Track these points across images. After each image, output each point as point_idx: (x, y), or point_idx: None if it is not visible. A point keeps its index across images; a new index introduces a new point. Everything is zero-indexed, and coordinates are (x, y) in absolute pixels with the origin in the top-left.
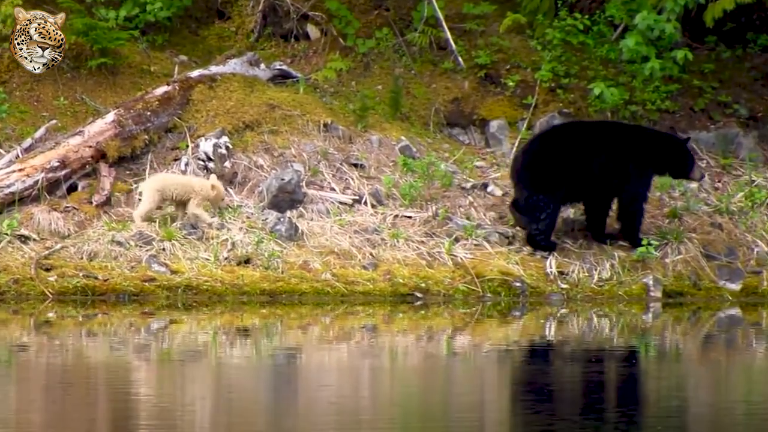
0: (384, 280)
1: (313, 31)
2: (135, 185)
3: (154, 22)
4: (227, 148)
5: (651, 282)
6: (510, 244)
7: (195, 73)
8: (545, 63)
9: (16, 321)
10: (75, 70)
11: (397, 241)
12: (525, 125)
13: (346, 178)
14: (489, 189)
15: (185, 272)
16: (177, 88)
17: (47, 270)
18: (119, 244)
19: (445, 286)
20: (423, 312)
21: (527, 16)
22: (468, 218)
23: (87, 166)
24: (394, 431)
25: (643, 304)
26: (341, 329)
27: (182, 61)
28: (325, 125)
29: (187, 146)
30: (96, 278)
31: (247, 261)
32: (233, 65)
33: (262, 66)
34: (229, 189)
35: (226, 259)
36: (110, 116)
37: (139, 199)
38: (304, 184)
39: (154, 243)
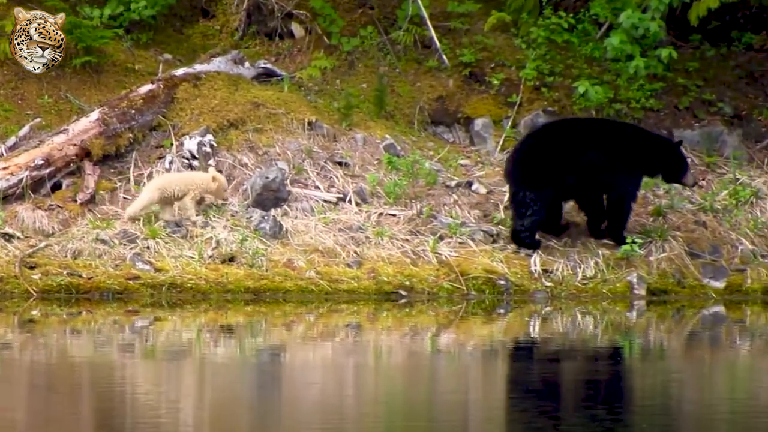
0: (368, 278)
1: (297, 29)
2: (119, 183)
3: (139, 21)
4: (212, 146)
5: (635, 280)
6: (494, 242)
7: (179, 72)
8: (530, 61)
9: None
10: (59, 68)
11: (382, 239)
12: (509, 123)
13: (331, 177)
14: (473, 187)
15: (169, 270)
16: (161, 86)
17: (31, 268)
18: (103, 242)
19: (429, 284)
20: (407, 310)
21: (512, 15)
22: (452, 216)
23: (71, 165)
24: (378, 429)
25: (627, 302)
26: (325, 327)
27: (167, 59)
28: (309, 123)
29: (172, 144)
30: (80, 276)
31: (232, 259)
32: (218, 63)
33: (247, 64)
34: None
35: (210, 257)
36: (95, 114)
37: (125, 197)
38: (288, 182)
39: (138, 241)
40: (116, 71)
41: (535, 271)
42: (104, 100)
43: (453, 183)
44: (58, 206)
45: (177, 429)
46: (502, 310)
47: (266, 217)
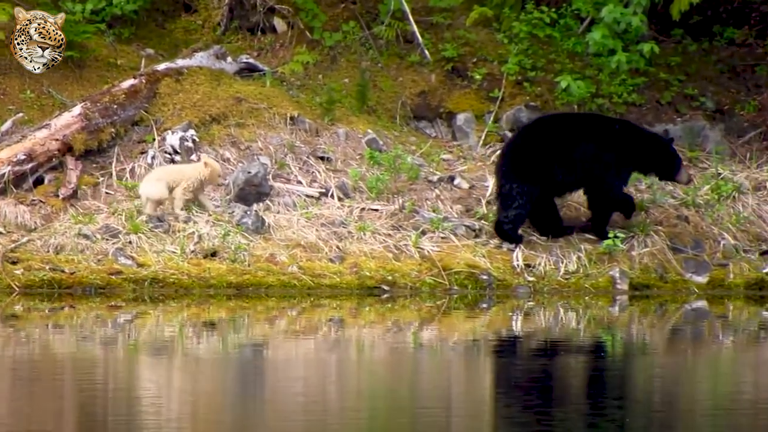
0: (351, 273)
1: (279, 24)
2: (102, 178)
3: (121, 16)
4: (194, 141)
5: (617, 274)
6: (477, 236)
7: (162, 67)
8: (512, 56)
9: None
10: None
11: (364, 234)
12: (492, 118)
13: (313, 171)
14: (456, 182)
15: (152, 265)
16: (144, 81)
17: (14, 263)
18: (86, 237)
19: (411, 278)
20: (390, 305)
21: (494, 10)
22: (435, 211)
23: (53, 159)
24: (361, 422)
25: (609, 297)
26: (308, 322)
27: (149, 54)
28: (291, 118)
29: (154, 139)
30: (63, 271)
31: (214, 254)
32: (200, 58)
33: (229, 59)
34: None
35: (192, 252)
36: (77, 109)
37: (107, 192)
38: (270, 177)
39: (120, 236)
40: (98, 66)
41: (518, 265)
42: (86, 95)
43: (435, 178)
44: (41, 201)
45: (159, 424)
46: (484, 305)
47: (248, 212)
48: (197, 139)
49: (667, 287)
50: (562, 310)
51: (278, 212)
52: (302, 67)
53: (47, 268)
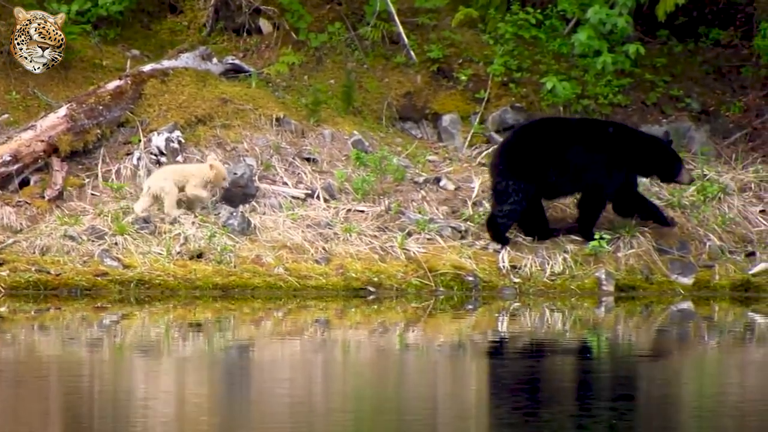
0: (336, 274)
1: (265, 25)
2: (87, 179)
3: (106, 17)
4: (179, 142)
5: (603, 276)
6: (462, 238)
7: (147, 68)
8: (497, 57)
9: None
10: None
11: (350, 236)
12: (477, 119)
13: (299, 173)
14: (441, 183)
15: (138, 267)
16: (129, 82)
17: None
18: (71, 238)
19: (397, 280)
20: (376, 306)
21: (479, 11)
22: (420, 212)
23: (39, 161)
24: (347, 424)
25: (595, 298)
26: (294, 324)
27: (134, 55)
28: (277, 119)
29: (140, 140)
30: (48, 273)
31: (200, 255)
32: (185, 59)
33: (215, 60)
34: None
35: (178, 253)
36: (62, 110)
37: (92, 194)
38: (256, 178)
39: (106, 237)
40: (84, 67)
41: (504, 267)
42: (72, 96)
43: (421, 179)
44: (26, 202)
45: (145, 425)
46: (470, 306)
47: (234, 214)
48: (183, 141)
49: (652, 288)
50: (548, 312)
51: (264, 213)
52: (288, 68)
53: (33, 269)
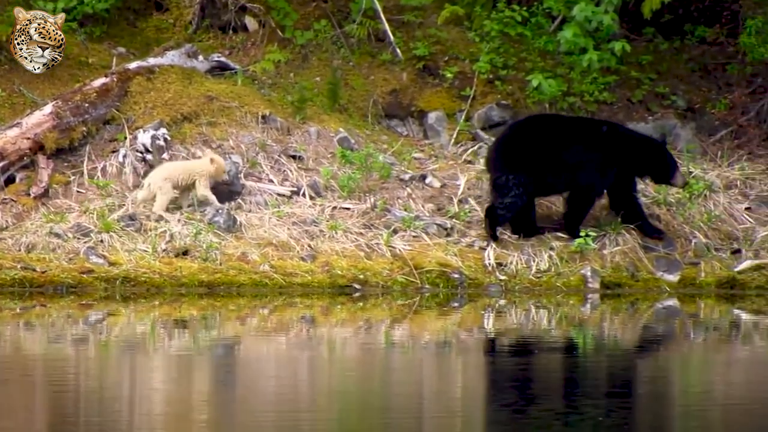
0: (322, 271)
1: (251, 22)
2: (73, 177)
3: (92, 14)
4: (165, 139)
5: (589, 273)
6: (448, 235)
7: (133, 65)
8: (483, 54)
9: None
10: (13, 61)
11: (336, 233)
12: (463, 117)
13: (285, 170)
14: (427, 180)
15: (123, 264)
16: (115, 80)
17: None
18: (57, 236)
19: (383, 277)
20: (361, 303)
21: (465, 8)
22: (406, 210)
23: (25, 158)
24: (331, 421)
25: (581, 296)
26: (280, 321)
27: (120, 53)
28: (263, 117)
29: (126, 138)
30: (34, 270)
31: (186, 253)
32: (171, 57)
33: (200, 58)
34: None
35: (164, 250)
36: (48, 108)
37: (78, 191)
38: (242, 175)
39: (92, 235)
40: (70, 65)
41: (489, 264)
42: (58, 94)
43: (407, 176)
44: (12, 200)
45: (132, 422)
46: (456, 304)
47: (220, 211)
48: (169, 138)
49: (638, 286)
50: (533, 309)
51: (250, 211)
52: (274, 66)
53: (18, 266)
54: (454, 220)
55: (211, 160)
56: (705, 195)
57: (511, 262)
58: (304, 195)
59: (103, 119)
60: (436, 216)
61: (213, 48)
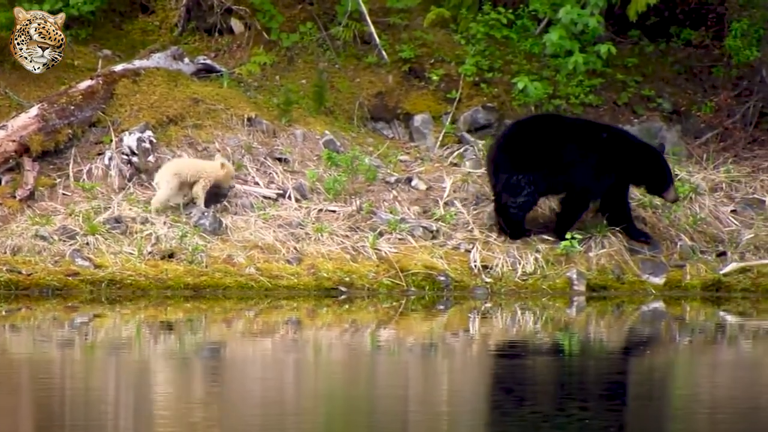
0: (308, 274)
1: (236, 25)
2: (59, 179)
3: (78, 17)
4: (151, 142)
5: (575, 276)
6: (434, 238)
7: (119, 68)
8: (469, 57)
9: None
10: None
11: (321, 236)
12: (449, 119)
13: (270, 173)
14: (413, 183)
15: (109, 267)
16: (101, 82)
17: None
18: (43, 238)
19: (369, 280)
20: (347, 306)
21: (451, 11)
22: (392, 212)
23: (10, 161)
24: (318, 423)
25: (566, 298)
26: (265, 323)
27: (106, 55)
28: (249, 119)
29: (111, 140)
30: (19, 273)
31: (171, 255)
32: (157, 59)
33: (186, 60)
34: (152, 183)
35: (150, 253)
36: (34, 110)
37: (64, 194)
38: None
39: (77, 237)
40: (55, 67)
41: (475, 267)
42: (43, 96)
43: (392, 179)
44: None
45: (117, 426)
46: (441, 306)
47: (206, 213)
48: (155, 140)
49: (624, 288)
50: (519, 311)
51: (236, 213)
52: (259, 68)
53: (4, 269)
54: (439, 222)
55: (222, 165)
56: (690, 197)
57: (497, 265)
58: (289, 197)
59: (88, 122)
60: (422, 218)
61: (199, 50)
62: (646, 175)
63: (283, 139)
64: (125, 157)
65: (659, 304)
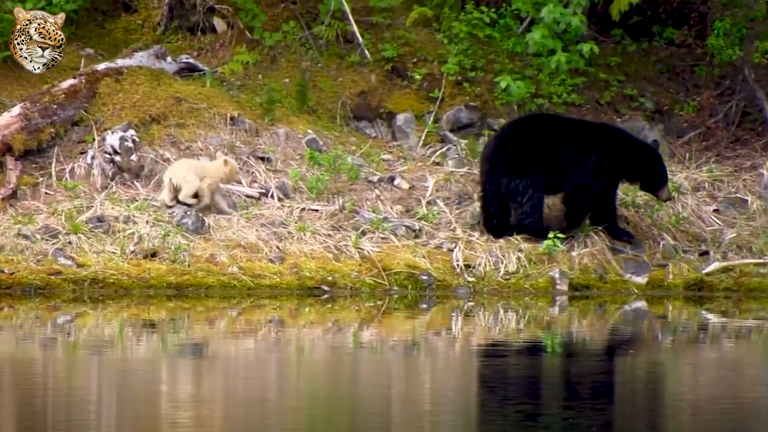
0: (291, 273)
1: (219, 24)
2: (41, 178)
3: None
4: (134, 141)
5: (557, 275)
6: (417, 237)
7: (101, 66)
8: (452, 56)
9: None
10: None
11: (304, 235)
12: (432, 118)
13: (253, 172)
14: (396, 182)
15: (91, 266)
16: (83, 81)
17: None
18: (25, 237)
19: (351, 279)
20: (330, 305)
21: (434, 10)
22: (375, 211)
23: None
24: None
25: (549, 298)
26: (248, 323)
27: (89, 54)
28: (231, 118)
29: (94, 139)
30: (2, 272)
31: (154, 254)
32: (140, 58)
33: (169, 59)
34: (135, 182)
35: (132, 252)
36: (16, 109)
37: (47, 192)
38: None
39: (60, 236)
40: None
41: (458, 266)
42: (26, 95)
43: (375, 178)
44: None
45: (99, 424)
46: (424, 306)
47: (189, 213)
48: (137, 139)
49: (606, 288)
50: (502, 311)
51: (218, 212)
52: (242, 67)
53: None
54: (422, 221)
55: (225, 162)
56: (673, 197)
57: (480, 264)
58: (272, 196)
59: (71, 121)
60: (405, 218)
61: (181, 49)
62: (643, 173)
63: (265, 138)
64: (108, 156)
65: (642, 304)
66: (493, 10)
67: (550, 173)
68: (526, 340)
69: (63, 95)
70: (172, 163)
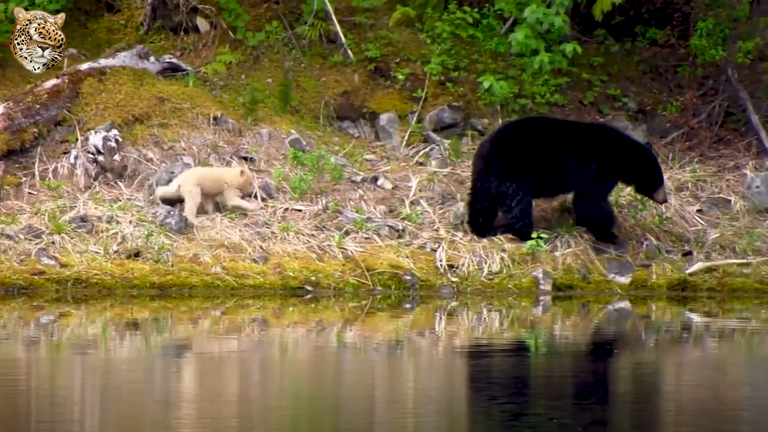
0: (274, 273)
1: (202, 24)
2: (24, 178)
3: None
4: (117, 141)
5: (541, 275)
6: (400, 237)
7: (84, 66)
8: (435, 56)
9: None
10: None
11: (288, 235)
12: (415, 118)
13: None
14: (379, 182)
15: (75, 265)
16: (66, 81)
17: None
18: (8, 237)
19: (335, 279)
20: (313, 305)
21: (417, 10)
22: (358, 211)
23: None
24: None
25: (533, 298)
26: (231, 323)
27: (72, 54)
28: (215, 118)
29: (77, 139)
30: None
31: (137, 254)
32: (123, 58)
33: (152, 59)
34: (118, 182)
35: (115, 252)
36: None
37: (30, 192)
38: None
39: (43, 236)
40: (21, 65)
41: (441, 266)
42: (9, 95)
43: (359, 178)
44: None
45: (83, 424)
46: (408, 306)
47: (172, 213)
48: (120, 139)
49: (590, 288)
50: (485, 311)
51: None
52: (225, 67)
53: None
54: (405, 221)
55: (242, 173)
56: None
57: (463, 264)
58: (255, 196)
59: (54, 120)
60: (388, 218)
61: (164, 49)
62: (640, 176)
63: (248, 138)
64: (91, 155)
65: (625, 304)
66: (476, 10)
67: (546, 177)
68: (509, 340)
69: (46, 95)
70: (185, 169)
